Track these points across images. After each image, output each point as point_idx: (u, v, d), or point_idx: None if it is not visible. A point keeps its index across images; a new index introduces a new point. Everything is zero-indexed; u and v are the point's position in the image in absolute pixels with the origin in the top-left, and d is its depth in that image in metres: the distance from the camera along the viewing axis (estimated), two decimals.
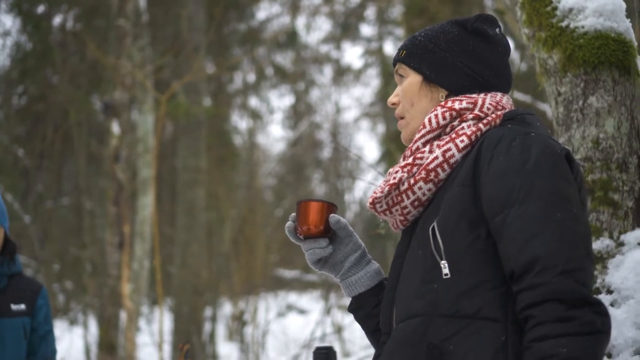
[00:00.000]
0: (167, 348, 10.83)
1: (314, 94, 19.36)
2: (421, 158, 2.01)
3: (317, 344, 8.16)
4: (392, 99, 2.17)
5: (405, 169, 2.01)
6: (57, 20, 13.72)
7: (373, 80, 18.46)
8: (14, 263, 3.75)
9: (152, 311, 15.97)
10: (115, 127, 9.35)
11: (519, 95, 8.14)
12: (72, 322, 14.56)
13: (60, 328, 11.70)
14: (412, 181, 2.00)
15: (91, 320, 13.33)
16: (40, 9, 13.56)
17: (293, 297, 16.24)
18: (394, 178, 2.02)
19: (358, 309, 2.19)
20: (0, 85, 14.98)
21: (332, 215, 2.13)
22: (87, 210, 14.42)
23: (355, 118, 19.43)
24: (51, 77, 14.36)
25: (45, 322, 3.77)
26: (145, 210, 10.38)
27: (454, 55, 2.09)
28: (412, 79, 2.13)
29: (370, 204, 2.09)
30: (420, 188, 1.99)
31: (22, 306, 3.70)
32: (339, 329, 9.53)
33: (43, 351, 3.74)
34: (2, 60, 14.35)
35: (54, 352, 3.80)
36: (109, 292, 8.58)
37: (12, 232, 3.86)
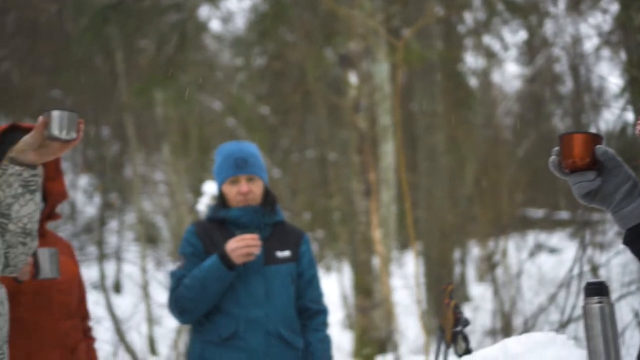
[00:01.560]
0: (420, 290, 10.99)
1: (549, 27, 18.62)
2: None
3: (574, 283, 7.95)
4: None
5: None
6: None
7: (611, 5, 17.45)
8: (276, 213, 3.91)
9: (401, 256, 16.28)
10: (353, 78, 9.52)
11: None
12: (328, 269, 15.16)
13: None
14: None
15: (345, 266, 13.80)
16: None
17: (542, 237, 15.88)
18: None
19: (634, 241, 2.10)
20: (241, 47, 15.72)
21: (598, 146, 2.06)
22: (331, 162, 14.89)
23: (596, 47, 18.50)
24: (287, 35, 14.85)
25: (309, 267, 3.88)
26: (388, 158, 10.55)
27: None
28: None
29: None
30: None
31: (287, 253, 3.83)
32: (594, 268, 9.22)
33: (310, 295, 3.86)
34: (242, 24, 15.03)
35: (320, 295, 3.92)
36: (360, 238, 8.82)
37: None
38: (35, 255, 3.12)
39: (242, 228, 3.78)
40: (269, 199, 3.89)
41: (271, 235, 3.85)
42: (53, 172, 3.38)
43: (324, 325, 3.91)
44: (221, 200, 3.88)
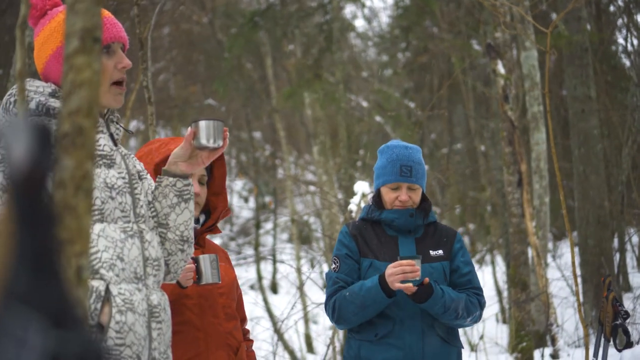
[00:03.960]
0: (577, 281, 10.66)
1: None
2: None
3: None
4: None
5: None
6: None
7: None
8: (428, 215, 3.92)
9: (556, 247, 15.87)
10: (500, 67, 9.37)
11: None
12: (480, 262, 15.00)
13: None
14: None
15: (498, 258, 13.60)
16: None
17: None
18: None
19: None
20: (385, 43, 15.77)
21: None
22: (480, 153, 14.70)
23: None
24: (431, 28, 14.78)
25: (465, 264, 3.86)
26: (539, 147, 10.33)
27: None
28: None
29: None
30: None
31: (440, 252, 3.83)
32: None
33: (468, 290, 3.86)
34: (385, 20, 15.06)
35: (480, 290, 3.89)
36: (514, 230, 8.68)
37: None
38: (196, 262, 3.26)
39: (396, 230, 3.82)
40: (424, 205, 3.89)
41: (424, 234, 3.87)
42: (218, 187, 3.52)
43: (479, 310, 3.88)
44: (377, 199, 3.89)
